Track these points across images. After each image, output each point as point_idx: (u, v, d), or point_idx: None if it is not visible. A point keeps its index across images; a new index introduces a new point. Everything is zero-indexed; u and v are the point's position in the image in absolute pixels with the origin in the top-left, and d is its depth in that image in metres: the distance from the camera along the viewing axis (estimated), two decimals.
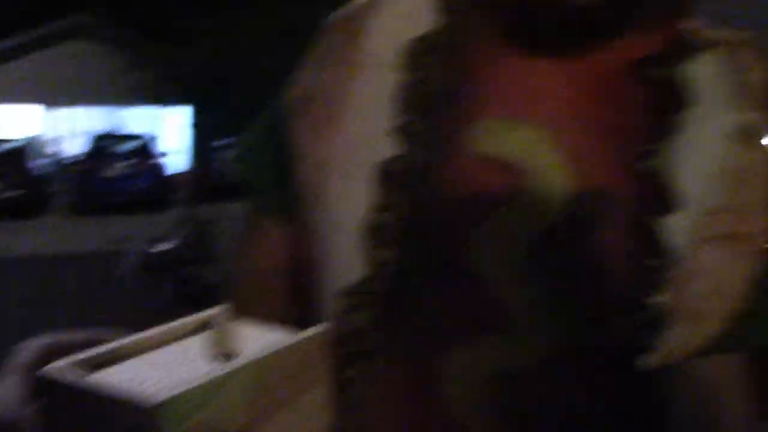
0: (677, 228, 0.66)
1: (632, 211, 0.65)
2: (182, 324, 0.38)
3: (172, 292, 6.28)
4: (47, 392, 0.32)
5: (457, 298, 0.65)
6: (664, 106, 0.67)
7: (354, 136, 0.69)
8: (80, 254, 8.61)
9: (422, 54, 0.69)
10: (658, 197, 0.66)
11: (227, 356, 0.35)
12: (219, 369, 0.32)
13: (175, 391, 0.29)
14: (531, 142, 0.66)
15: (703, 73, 0.69)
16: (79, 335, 0.36)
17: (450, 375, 0.64)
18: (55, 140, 23.62)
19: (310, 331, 0.36)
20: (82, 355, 0.33)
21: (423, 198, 0.66)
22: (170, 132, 18.84)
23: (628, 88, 0.68)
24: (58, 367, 0.32)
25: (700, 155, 0.67)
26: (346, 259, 0.66)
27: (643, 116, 0.67)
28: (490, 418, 0.63)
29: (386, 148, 0.67)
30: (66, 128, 23.47)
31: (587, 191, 0.65)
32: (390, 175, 0.66)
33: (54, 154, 19.07)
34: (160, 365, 0.34)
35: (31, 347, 0.35)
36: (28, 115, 22.12)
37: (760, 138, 0.69)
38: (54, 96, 19.86)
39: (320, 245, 0.68)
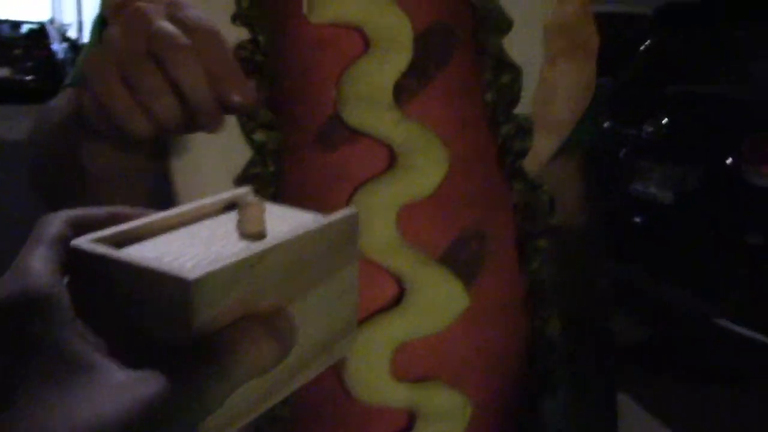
0: (530, 48, 0.72)
1: (476, 37, 0.69)
2: (207, 203, 0.37)
3: None
4: (79, 265, 0.31)
5: None
6: None
7: None
8: None
9: None
10: (491, 20, 0.70)
11: (257, 236, 0.34)
12: (253, 247, 0.31)
13: (213, 267, 0.29)
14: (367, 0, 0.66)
15: None
16: (103, 210, 0.35)
17: None
18: (74, 24, 23.36)
19: (340, 213, 0.36)
20: (110, 230, 0.32)
21: (280, 76, 0.66)
22: None
23: None
24: (87, 239, 0.31)
25: None
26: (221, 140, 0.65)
27: None
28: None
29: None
30: (83, 12, 23.19)
31: (431, 27, 0.68)
32: (242, 62, 0.65)
33: (74, 39, 18.93)
34: (191, 243, 0.33)
35: (55, 220, 0.33)
36: None
37: None
38: None
39: None
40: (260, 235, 0.35)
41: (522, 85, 0.70)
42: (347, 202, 0.65)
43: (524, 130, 0.71)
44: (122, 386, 0.27)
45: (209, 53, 0.42)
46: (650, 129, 3.54)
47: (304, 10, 0.66)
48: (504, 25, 0.70)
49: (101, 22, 0.72)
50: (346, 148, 0.66)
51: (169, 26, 0.42)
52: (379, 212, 0.65)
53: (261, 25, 0.67)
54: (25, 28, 14.06)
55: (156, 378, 0.27)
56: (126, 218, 0.34)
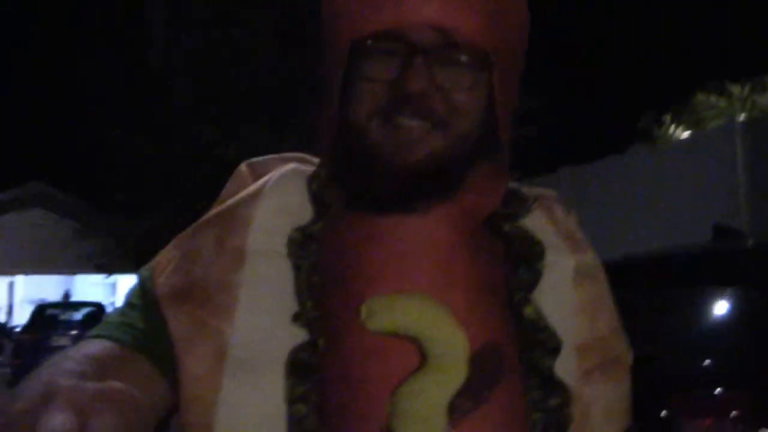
0: (564, 366, 0.71)
1: (524, 356, 0.70)
2: None
3: None
4: None
5: None
6: (520, 256, 0.73)
7: (251, 327, 0.68)
8: None
9: (304, 243, 0.71)
10: (542, 341, 0.70)
11: None
12: None
13: None
14: (423, 312, 0.67)
15: (536, 225, 0.77)
16: None
17: None
18: (4, 308, 22.86)
19: None
20: None
21: (332, 383, 0.67)
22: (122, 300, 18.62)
23: (488, 244, 0.74)
24: None
25: (556, 297, 0.74)
26: None
27: (505, 268, 0.73)
28: None
29: (289, 337, 0.68)
30: (14, 296, 22.83)
31: (484, 347, 0.68)
32: (300, 365, 0.66)
33: (2, 322, 18.51)
34: None
35: None
36: None
37: (597, 274, 0.79)
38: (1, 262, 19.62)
39: None
40: None
41: (572, 409, 0.70)
42: None
43: None
44: None
45: None
46: None
47: (362, 316, 0.66)
48: (554, 344, 0.70)
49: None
50: None
51: None
52: None
53: (320, 327, 0.67)
54: None
55: None
56: None
